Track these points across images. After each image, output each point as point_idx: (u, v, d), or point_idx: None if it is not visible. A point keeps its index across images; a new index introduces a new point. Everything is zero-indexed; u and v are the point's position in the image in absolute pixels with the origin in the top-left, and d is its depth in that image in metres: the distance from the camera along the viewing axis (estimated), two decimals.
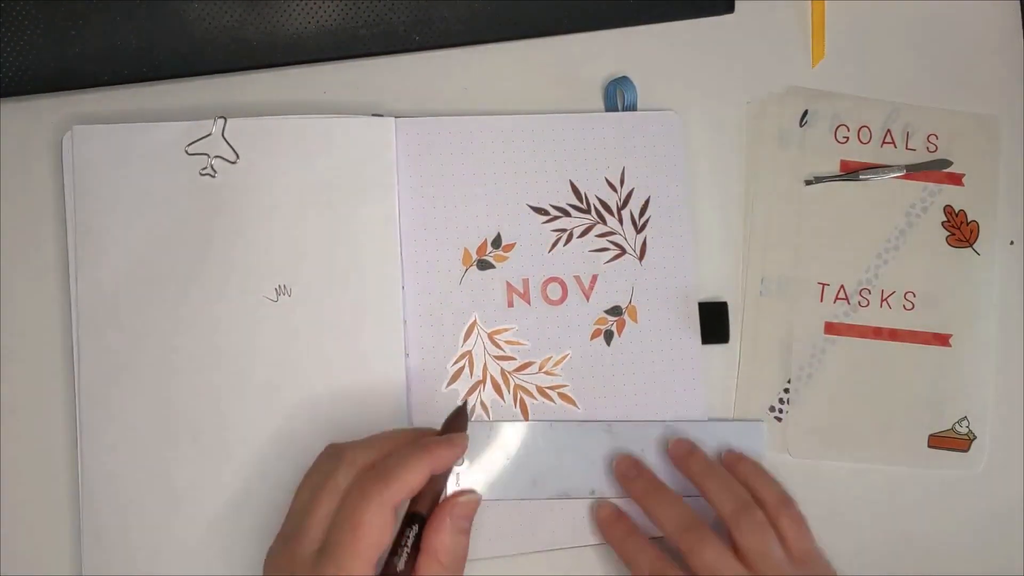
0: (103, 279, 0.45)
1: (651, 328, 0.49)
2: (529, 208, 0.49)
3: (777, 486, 0.47)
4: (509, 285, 0.48)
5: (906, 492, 0.51)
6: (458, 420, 0.42)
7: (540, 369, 0.48)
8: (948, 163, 0.53)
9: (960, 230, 0.53)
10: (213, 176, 0.46)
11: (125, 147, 0.46)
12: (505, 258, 0.49)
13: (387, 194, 0.47)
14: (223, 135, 0.46)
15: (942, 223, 0.53)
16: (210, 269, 0.46)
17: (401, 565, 0.36)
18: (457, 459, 0.40)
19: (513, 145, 0.49)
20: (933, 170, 0.53)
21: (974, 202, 0.53)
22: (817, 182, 0.52)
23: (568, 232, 0.49)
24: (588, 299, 0.49)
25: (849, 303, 0.52)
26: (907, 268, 0.52)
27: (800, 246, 0.52)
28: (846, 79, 0.53)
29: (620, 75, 0.51)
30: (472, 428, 0.44)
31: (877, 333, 0.51)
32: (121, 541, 0.44)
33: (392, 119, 0.48)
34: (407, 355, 0.47)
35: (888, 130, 0.53)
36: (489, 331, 0.48)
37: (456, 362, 0.47)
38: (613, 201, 0.50)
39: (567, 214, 0.49)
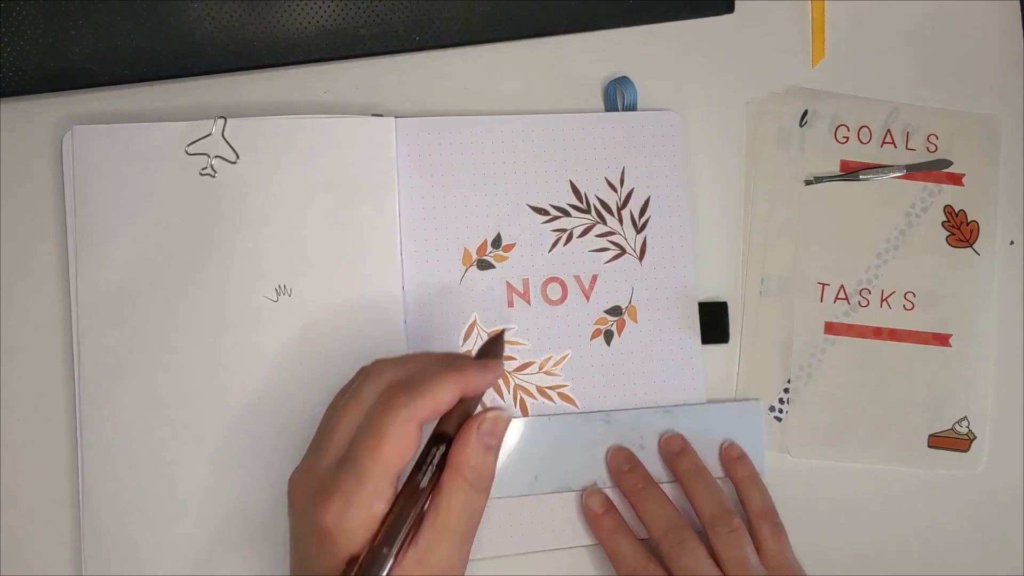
0: (103, 279, 0.45)
1: (651, 328, 0.49)
2: (529, 208, 0.49)
3: (764, 495, 0.48)
4: (509, 285, 0.48)
5: (906, 492, 0.51)
6: (494, 347, 0.40)
7: (540, 369, 0.48)
8: (948, 163, 0.53)
9: (960, 230, 0.53)
10: (213, 176, 0.46)
11: (125, 147, 0.46)
12: (505, 258, 0.49)
13: (387, 194, 0.47)
14: (223, 135, 0.46)
15: (942, 223, 0.53)
16: (210, 269, 0.46)
17: (424, 482, 0.35)
18: (490, 385, 0.38)
19: (513, 145, 0.49)
20: (933, 170, 0.53)
21: (974, 202, 0.53)
22: (817, 182, 0.52)
23: (568, 232, 0.49)
24: (588, 299, 0.49)
25: (849, 303, 0.52)
26: (907, 268, 0.52)
27: (800, 246, 0.52)
28: (846, 79, 0.53)
29: (620, 75, 0.51)
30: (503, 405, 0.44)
31: (877, 333, 0.51)
32: (121, 541, 0.44)
33: (392, 119, 0.48)
34: None
35: (888, 130, 0.53)
36: (489, 331, 0.48)
37: None
38: (613, 201, 0.50)
39: (567, 214, 0.49)
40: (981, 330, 0.52)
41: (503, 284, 0.48)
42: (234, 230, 0.46)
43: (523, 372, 0.48)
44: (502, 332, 0.41)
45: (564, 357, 0.49)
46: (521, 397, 0.48)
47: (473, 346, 0.48)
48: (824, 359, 0.51)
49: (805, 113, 0.52)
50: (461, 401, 0.37)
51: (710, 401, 0.49)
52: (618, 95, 0.51)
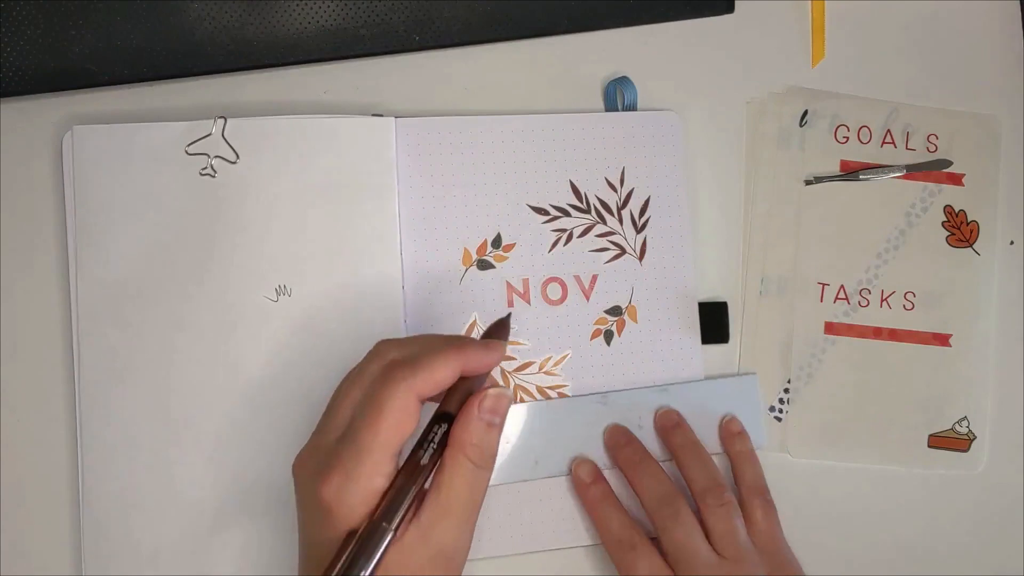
0: (103, 279, 0.45)
1: (651, 328, 0.49)
2: (529, 208, 0.49)
3: (758, 471, 0.48)
4: (509, 285, 0.48)
5: (906, 492, 0.51)
6: (499, 330, 0.40)
7: (540, 369, 0.48)
8: (948, 163, 0.53)
9: (960, 230, 0.53)
10: (213, 176, 0.46)
11: (125, 147, 0.46)
12: (505, 258, 0.49)
13: (387, 194, 0.47)
14: (223, 135, 0.46)
15: (942, 223, 0.53)
16: (210, 269, 0.46)
17: (425, 459, 0.35)
18: (493, 365, 0.38)
19: (513, 145, 0.49)
20: (933, 170, 0.53)
21: (974, 202, 0.53)
22: (817, 182, 0.52)
23: (568, 232, 0.49)
24: (588, 299, 0.49)
25: (849, 303, 0.52)
26: (907, 268, 0.52)
27: (800, 246, 0.52)
28: (846, 79, 0.53)
29: (620, 75, 0.51)
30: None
31: (877, 333, 0.51)
32: (121, 540, 0.44)
33: (392, 119, 0.48)
34: None
35: (888, 130, 0.53)
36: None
37: None
38: (613, 201, 0.50)
39: (567, 214, 0.49)
40: (981, 330, 0.52)
41: (503, 284, 0.48)
42: (234, 230, 0.46)
43: (523, 372, 0.48)
44: (508, 316, 0.41)
45: (564, 357, 0.49)
46: (521, 397, 0.48)
47: None
48: (824, 359, 0.51)
49: (805, 113, 0.52)
50: (464, 380, 0.37)
51: (707, 378, 0.50)
52: (618, 95, 0.51)
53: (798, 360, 0.51)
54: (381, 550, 0.33)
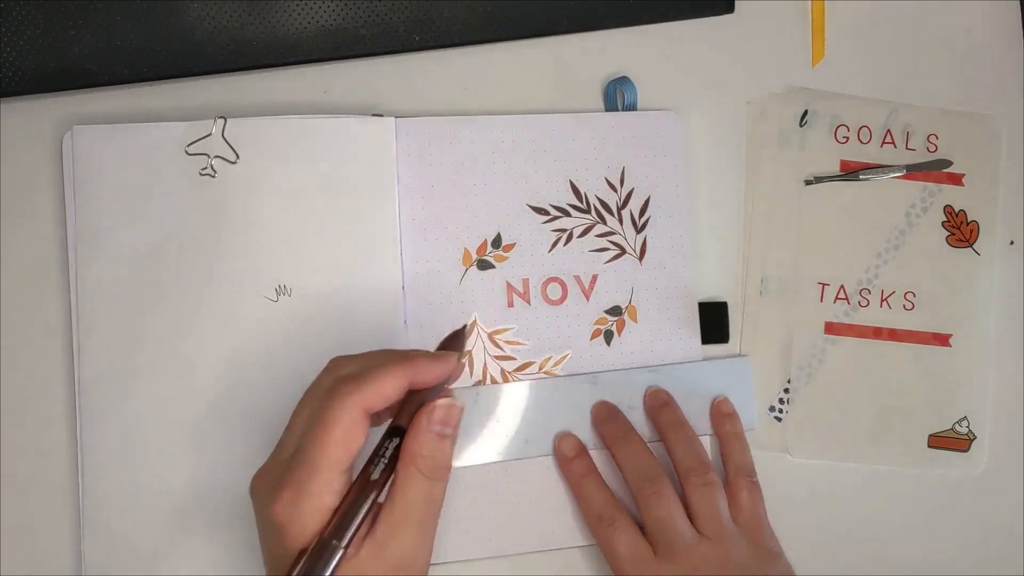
0: (103, 279, 0.45)
1: (651, 328, 0.49)
2: (529, 208, 0.49)
3: (746, 452, 0.48)
4: (509, 285, 0.48)
5: (906, 492, 0.51)
6: (454, 341, 0.40)
7: (540, 369, 0.48)
8: (948, 163, 0.53)
9: (960, 230, 0.53)
10: (213, 176, 0.46)
11: (125, 147, 0.46)
12: (505, 258, 0.49)
13: (387, 194, 0.47)
14: (223, 135, 0.46)
15: (942, 223, 0.53)
16: (210, 269, 0.46)
17: (376, 474, 0.35)
18: (443, 377, 0.38)
19: (513, 145, 0.49)
20: (933, 170, 0.53)
21: (974, 202, 0.53)
22: (817, 182, 0.52)
23: (568, 232, 0.49)
24: (588, 299, 0.49)
25: (849, 303, 0.52)
26: (907, 268, 0.52)
27: (800, 246, 0.52)
28: (846, 79, 0.53)
29: (620, 75, 0.51)
30: (457, 395, 0.45)
31: (877, 333, 0.51)
32: (121, 540, 0.44)
33: (392, 119, 0.48)
34: None
35: (888, 130, 0.53)
36: (489, 331, 0.48)
37: None
38: (613, 201, 0.50)
39: (567, 214, 0.49)
40: (981, 330, 0.52)
41: (503, 284, 0.48)
42: (234, 230, 0.46)
43: (523, 372, 0.48)
44: (463, 327, 0.41)
45: (564, 357, 0.49)
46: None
47: (473, 346, 0.48)
48: (824, 359, 0.51)
49: (805, 113, 0.52)
50: (416, 394, 0.37)
51: (704, 359, 0.50)
52: (618, 95, 0.51)
53: (798, 360, 0.51)
54: (331, 568, 0.33)
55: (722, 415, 0.49)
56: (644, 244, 0.50)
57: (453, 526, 0.46)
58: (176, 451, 0.45)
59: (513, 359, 0.48)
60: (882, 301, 0.52)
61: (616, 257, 0.50)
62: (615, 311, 0.49)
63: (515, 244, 0.49)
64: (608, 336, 0.49)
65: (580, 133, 0.50)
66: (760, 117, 0.52)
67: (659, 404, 0.48)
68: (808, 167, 0.52)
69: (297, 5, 0.47)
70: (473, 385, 0.47)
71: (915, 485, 0.51)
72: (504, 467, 0.47)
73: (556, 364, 0.48)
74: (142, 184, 0.46)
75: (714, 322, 0.50)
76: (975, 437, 0.52)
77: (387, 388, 0.35)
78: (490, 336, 0.48)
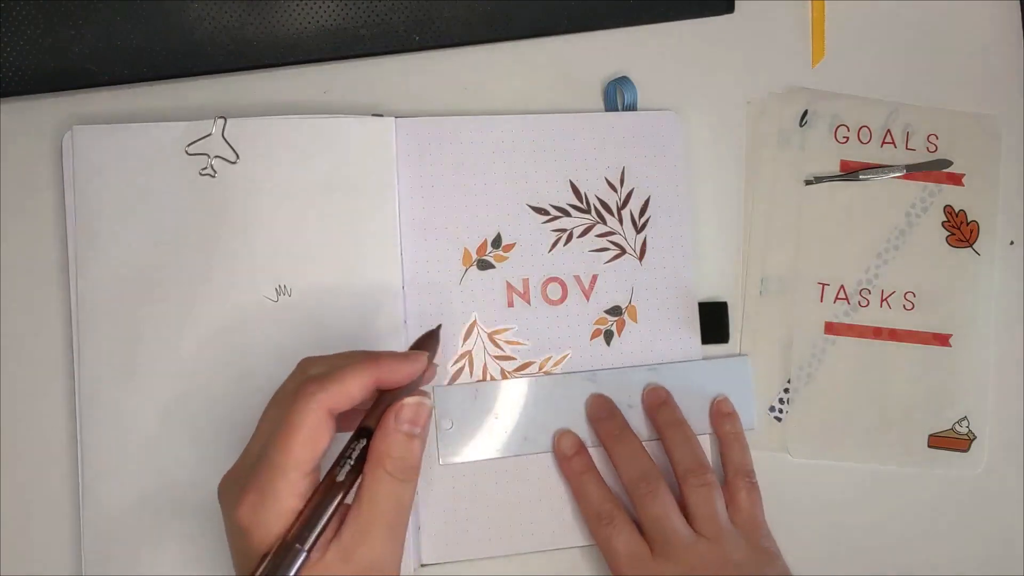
0: (103, 279, 0.45)
1: (651, 328, 0.49)
2: (529, 208, 0.49)
3: (745, 453, 0.48)
4: (509, 285, 0.48)
5: (906, 492, 0.51)
6: (427, 342, 0.39)
7: (540, 369, 0.48)
8: (948, 163, 0.53)
9: (960, 230, 0.53)
10: (213, 176, 0.46)
11: (125, 147, 0.46)
12: (505, 258, 0.49)
13: (387, 194, 0.47)
14: (223, 135, 0.46)
15: (942, 223, 0.53)
16: (210, 269, 0.46)
17: (342, 476, 0.34)
18: (413, 377, 0.37)
19: (513, 145, 0.49)
20: (933, 170, 0.53)
21: (974, 202, 0.53)
22: (817, 182, 0.52)
23: (568, 232, 0.49)
24: (588, 299, 0.49)
25: (849, 303, 0.52)
26: (907, 268, 0.52)
27: (800, 246, 0.52)
28: (846, 79, 0.53)
29: (620, 75, 0.51)
30: (456, 391, 0.45)
31: (877, 333, 0.51)
32: (121, 541, 0.44)
33: (392, 119, 0.48)
34: None
35: (888, 130, 0.53)
36: (489, 331, 0.48)
37: (456, 362, 0.47)
38: (613, 201, 0.50)
39: (567, 214, 0.49)
40: (981, 330, 0.52)
41: (503, 284, 0.48)
42: (234, 230, 0.46)
43: (523, 372, 0.48)
44: (438, 328, 0.40)
45: (564, 357, 0.49)
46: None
47: (473, 346, 0.48)
48: (824, 359, 0.51)
49: (805, 113, 0.52)
50: (386, 394, 0.36)
51: (704, 359, 0.50)
52: (618, 95, 0.51)
53: (798, 360, 0.51)
54: (293, 572, 0.32)
55: (722, 415, 0.49)
56: (644, 244, 0.50)
57: (453, 526, 0.46)
58: (176, 451, 0.45)
59: (513, 359, 0.48)
60: (882, 301, 0.52)
61: (616, 257, 0.50)
62: (615, 311, 0.49)
63: (515, 244, 0.49)
64: (608, 336, 0.49)
65: (580, 133, 0.50)
66: (760, 117, 0.52)
67: (658, 402, 0.48)
68: (808, 167, 0.52)
69: (297, 5, 0.47)
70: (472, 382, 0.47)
71: (915, 485, 0.51)
72: (503, 465, 0.47)
73: (556, 364, 0.48)
74: (142, 184, 0.46)
75: (714, 322, 0.50)
76: (975, 437, 0.52)
77: (352, 388, 0.35)
78: (490, 336, 0.48)
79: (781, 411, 0.51)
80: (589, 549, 0.47)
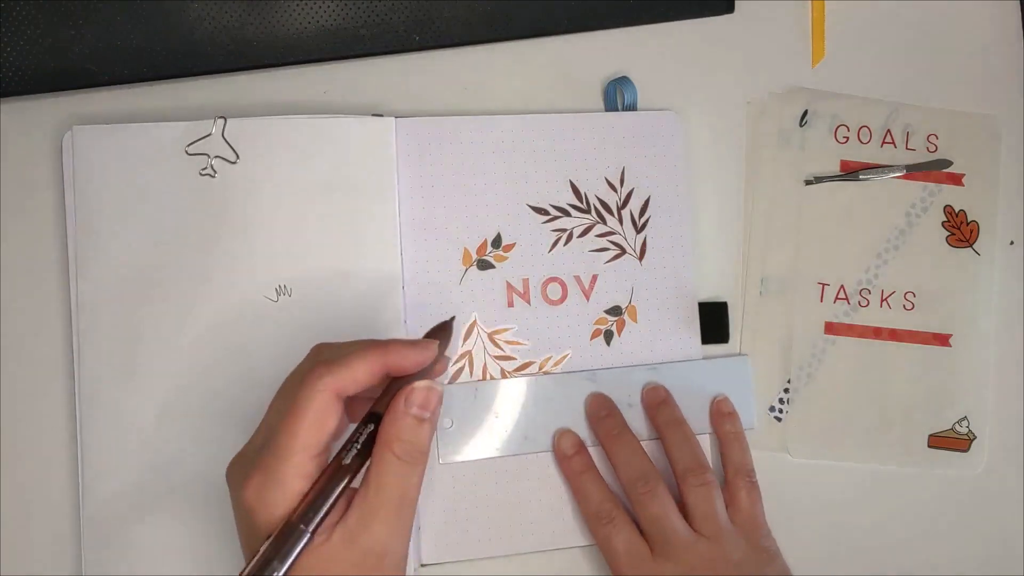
0: (103, 279, 0.45)
1: (651, 328, 0.49)
2: (529, 208, 0.49)
3: (745, 452, 0.48)
4: (509, 285, 0.48)
5: (906, 492, 0.51)
6: (439, 332, 0.39)
7: (540, 369, 0.48)
8: (948, 163, 0.53)
9: (960, 230, 0.53)
10: (213, 176, 0.46)
11: (125, 147, 0.46)
12: (505, 258, 0.49)
13: (387, 194, 0.47)
14: (223, 135, 0.46)
15: (942, 223, 0.53)
16: (210, 269, 0.46)
17: (349, 459, 0.34)
18: (422, 364, 0.37)
19: (513, 145, 0.49)
20: (933, 170, 0.53)
21: (974, 202, 0.53)
22: (817, 182, 0.52)
23: (568, 232, 0.49)
24: (588, 299, 0.49)
25: (849, 303, 0.52)
26: (907, 268, 0.52)
27: (800, 246, 0.52)
28: (846, 79, 0.53)
29: (620, 75, 0.51)
30: (456, 390, 0.45)
31: (877, 333, 0.51)
32: (121, 540, 0.44)
33: (392, 119, 0.48)
34: None
35: (888, 130, 0.53)
36: (489, 331, 0.48)
37: (456, 362, 0.47)
38: (613, 201, 0.50)
39: (567, 214, 0.49)
40: (981, 330, 0.52)
41: (503, 284, 0.48)
42: (234, 230, 0.46)
43: (523, 372, 0.48)
44: (451, 319, 0.40)
45: (564, 357, 0.49)
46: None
47: (473, 346, 0.48)
48: (824, 359, 0.51)
49: (805, 113, 0.52)
50: (397, 381, 0.36)
51: (704, 358, 0.50)
52: (618, 95, 0.51)
53: (798, 360, 0.51)
54: (296, 552, 0.33)
55: (722, 415, 0.49)
56: (644, 244, 0.50)
57: (453, 526, 0.46)
58: (177, 451, 0.45)
59: (513, 359, 0.48)
60: (882, 301, 0.52)
61: (616, 257, 0.50)
62: (615, 311, 0.49)
63: (515, 244, 0.49)
64: (608, 336, 0.49)
65: (580, 133, 0.50)
66: (760, 117, 0.52)
67: (657, 401, 0.48)
68: (808, 167, 0.52)
69: (297, 5, 0.47)
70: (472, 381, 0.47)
71: (915, 485, 0.51)
72: (503, 464, 0.47)
73: (556, 364, 0.48)
74: (142, 184, 0.46)
75: (714, 322, 0.50)
76: (975, 437, 0.52)
77: (359, 372, 0.35)
78: (490, 336, 0.48)
79: (781, 411, 0.51)
80: (589, 549, 0.47)
